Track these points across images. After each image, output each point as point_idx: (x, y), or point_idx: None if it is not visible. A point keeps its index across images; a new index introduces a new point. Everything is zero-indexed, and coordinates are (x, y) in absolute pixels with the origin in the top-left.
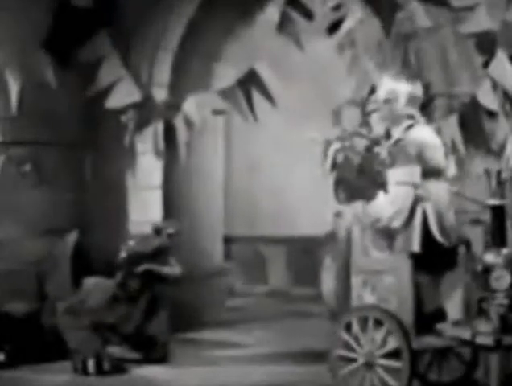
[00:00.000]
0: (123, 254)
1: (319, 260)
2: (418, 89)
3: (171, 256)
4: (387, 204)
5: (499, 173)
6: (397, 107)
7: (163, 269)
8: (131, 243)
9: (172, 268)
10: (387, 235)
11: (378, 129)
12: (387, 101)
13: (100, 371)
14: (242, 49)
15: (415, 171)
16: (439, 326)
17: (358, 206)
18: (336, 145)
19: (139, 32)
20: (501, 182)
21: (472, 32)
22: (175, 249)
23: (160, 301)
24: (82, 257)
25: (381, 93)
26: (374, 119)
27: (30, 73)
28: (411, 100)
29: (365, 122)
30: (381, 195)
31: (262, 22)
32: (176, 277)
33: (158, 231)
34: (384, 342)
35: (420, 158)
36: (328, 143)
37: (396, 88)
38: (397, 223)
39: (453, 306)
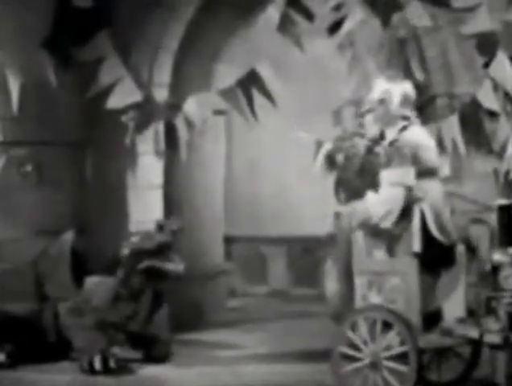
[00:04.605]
0: (125, 251)
1: (319, 261)
2: (410, 89)
3: (175, 254)
4: (378, 204)
5: (507, 173)
6: (391, 108)
7: (166, 266)
8: (133, 239)
9: (176, 265)
10: (383, 236)
11: (372, 130)
12: (382, 101)
13: (106, 368)
14: (243, 49)
15: (409, 173)
16: (445, 324)
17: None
18: (327, 146)
19: (139, 32)
20: (508, 182)
21: (472, 33)
22: (177, 247)
23: (162, 299)
24: (83, 257)
25: (375, 94)
26: (368, 120)
27: (30, 73)
28: (405, 100)
29: (360, 123)
30: (371, 194)
31: (263, 23)
32: (179, 273)
33: (161, 227)
34: (393, 343)
35: (415, 158)
36: (319, 144)
37: (390, 88)
38: (387, 224)
39: (454, 305)
